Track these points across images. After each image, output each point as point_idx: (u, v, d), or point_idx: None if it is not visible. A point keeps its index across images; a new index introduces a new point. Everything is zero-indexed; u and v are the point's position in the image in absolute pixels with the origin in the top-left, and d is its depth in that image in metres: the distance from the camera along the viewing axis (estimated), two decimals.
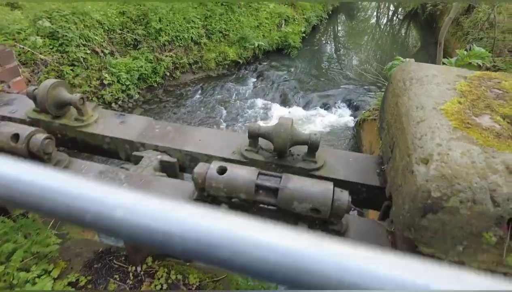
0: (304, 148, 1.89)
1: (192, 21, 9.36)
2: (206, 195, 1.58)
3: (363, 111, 7.34)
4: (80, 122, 2.29)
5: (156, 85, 8.79)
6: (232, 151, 2.04)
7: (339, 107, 8.55)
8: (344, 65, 11.11)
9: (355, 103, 8.57)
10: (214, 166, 1.58)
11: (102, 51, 7.77)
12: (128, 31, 8.44)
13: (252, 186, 1.52)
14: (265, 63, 10.57)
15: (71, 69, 6.98)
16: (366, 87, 9.16)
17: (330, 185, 1.51)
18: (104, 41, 7.89)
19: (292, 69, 10.29)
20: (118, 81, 7.90)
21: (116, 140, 2.18)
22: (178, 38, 9.07)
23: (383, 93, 6.73)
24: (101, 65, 7.65)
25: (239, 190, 1.53)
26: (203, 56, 9.60)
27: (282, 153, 1.87)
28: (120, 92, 7.96)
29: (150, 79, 8.64)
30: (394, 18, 17.29)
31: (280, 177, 1.55)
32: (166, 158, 2.08)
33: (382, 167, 1.83)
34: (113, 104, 7.85)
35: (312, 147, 1.82)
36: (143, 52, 8.48)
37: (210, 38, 9.77)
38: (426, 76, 1.41)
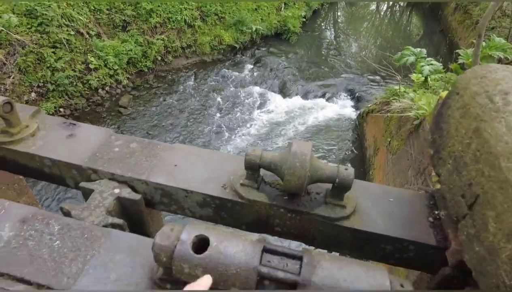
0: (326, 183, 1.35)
1: (186, 2, 8.68)
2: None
3: (367, 104, 6.94)
4: (7, 137, 1.64)
5: (146, 70, 8.20)
6: (222, 184, 1.48)
7: (340, 98, 8.13)
8: (345, 52, 10.62)
9: (357, 93, 8.15)
10: (188, 234, 1.02)
11: (88, 33, 7.13)
12: (116, 11, 7.77)
13: (251, 277, 0.97)
14: (263, 49, 10.00)
15: (52, 52, 6.36)
16: (368, 77, 8.72)
17: (385, 278, 0.98)
18: (89, 22, 7.24)
19: (291, 56, 9.76)
20: (105, 66, 7.30)
21: (60, 164, 1.60)
22: (171, 20, 8.42)
23: (390, 85, 6.26)
24: (87, 48, 7.03)
25: (229, 281, 0.99)
26: (197, 40, 8.99)
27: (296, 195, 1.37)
28: (107, 77, 7.38)
29: (140, 64, 8.04)
30: (396, 5, 16.68)
31: (300, 258, 1.01)
32: (126, 193, 1.50)
33: (436, 212, 1.39)
34: (100, 90, 7.29)
35: (341, 186, 1.29)
36: (133, 34, 7.85)
37: (205, 20, 9.13)
38: None
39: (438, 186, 1.73)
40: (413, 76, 5.08)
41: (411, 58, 5.27)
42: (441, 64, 5.01)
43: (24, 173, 1.76)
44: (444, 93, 3.09)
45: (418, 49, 5.39)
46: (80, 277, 1.14)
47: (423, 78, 4.81)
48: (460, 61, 4.79)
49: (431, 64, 5.01)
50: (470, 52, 4.87)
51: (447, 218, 1.35)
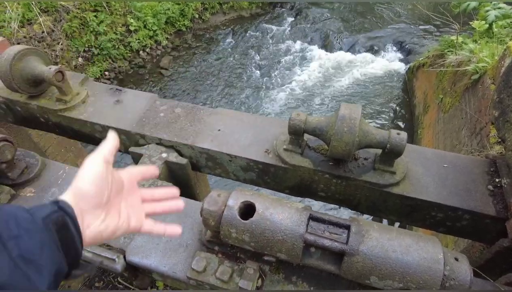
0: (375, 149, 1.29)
1: None
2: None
3: (418, 57, 6.37)
4: (62, 104, 1.75)
5: (185, 29, 8.13)
6: (264, 149, 1.48)
7: (388, 51, 7.53)
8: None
9: (406, 46, 7.48)
10: (235, 200, 1.03)
11: None
12: None
13: (298, 244, 0.98)
14: None
15: (94, 16, 6.49)
16: (420, 26, 7.91)
17: (438, 250, 0.92)
18: None
19: (335, 5, 9.08)
20: (144, 27, 7.35)
21: (109, 130, 1.70)
22: None
23: (445, 36, 5.64)
24: (126, 9, 7.07)
25: (276, 248, 1.01)
26: None
27: (342, 161, 1.31)
28: (147, 39, 7.46)
29: (179, 23, 7.98)
30: None
31: (348, 227, 0.98)
32: (173, 157, 1.56)
33: (498, 180, 1.26)
34: (141, 52, 7.43)
35: (392, 152, 1.21)
36: None
37: None
38: None
39: (494, 151, 1.58)
40: (474, 23, 4.49)
41: (473, 3, 4.64)
42: (511, 7, 4.36)
43: (78, 138, 1.88)
44: None
45: None
46: (135, 237, 1.23)
47: (487, 25, 4.24)
48: None
49: (499, 8, 4.38)
50: None
51: (510, 187, 1.24)
